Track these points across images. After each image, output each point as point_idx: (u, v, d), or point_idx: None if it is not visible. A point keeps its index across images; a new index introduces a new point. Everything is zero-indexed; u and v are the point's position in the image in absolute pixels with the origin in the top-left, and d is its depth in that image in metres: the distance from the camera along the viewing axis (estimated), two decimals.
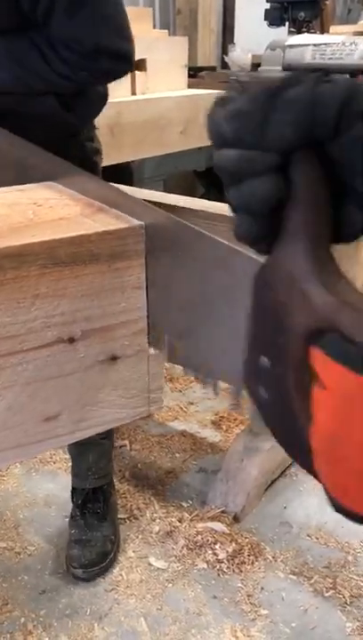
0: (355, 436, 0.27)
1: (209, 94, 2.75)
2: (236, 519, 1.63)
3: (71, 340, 0.59)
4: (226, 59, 4.28)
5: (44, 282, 0.55)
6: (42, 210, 0.65)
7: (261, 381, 0.35)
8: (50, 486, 1.77)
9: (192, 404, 2.19)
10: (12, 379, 0.56)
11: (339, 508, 0.29)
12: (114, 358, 0.62)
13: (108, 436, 1.59)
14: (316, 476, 0.31)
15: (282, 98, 0.33)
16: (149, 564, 1.51)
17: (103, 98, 1.39)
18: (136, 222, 0.59)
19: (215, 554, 1.52)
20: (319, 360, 0.29)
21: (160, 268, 0.59)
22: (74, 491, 1.62)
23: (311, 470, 0.31)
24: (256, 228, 0.35)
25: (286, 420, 0.32)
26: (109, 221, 0.59)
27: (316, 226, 0.33)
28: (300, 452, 0.31)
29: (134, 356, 0.63)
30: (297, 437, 0.31)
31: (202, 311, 0.55)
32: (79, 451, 1.58)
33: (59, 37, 1.14)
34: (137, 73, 2.52)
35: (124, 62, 1.23)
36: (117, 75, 1.26)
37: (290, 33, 3.22)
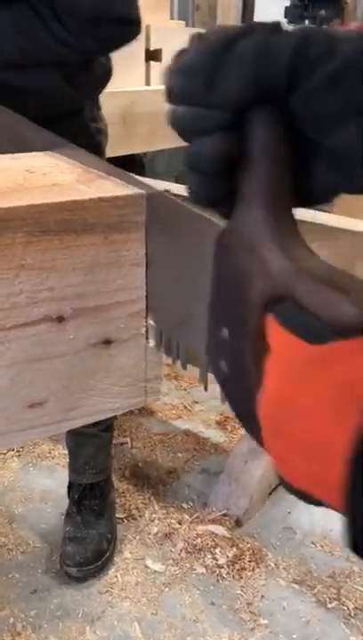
0: (300, 408, 0.26)
1: None
2: (238, 523, 1.58)
3: (60, 319, 0.53)
4: None
5: (31, 251, 0.49)
6: (34, 176, 0.59)
7: (221, 354, 0.34)
8: (47, 482, 1.72)
9: (197, 402, 2.14)
10: None
11: (288, 487, 0.28)
12: (107, 342, 0.57)
13: (107, 428, 1.54)
14: (268, 453, 0.29)
15: (232, 50, 0.30)
16: (146, 567, 1.45)
17: (107, 72, 1.34)
18: (137, 190, 0.53)
19: (215, 558, 1.46)
20: (273, 328, 0.28)
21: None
22: (70, 486, 1.57)
23: (264, 446, 0.29)
24: (209, 188, 0.34)
25: (243, 394, 0.31)
26: (107, 188, 0.54)
27: (274, 188, 0.31)
28: (256, 428, 0.29)
29: (130, 340, 0.58)
30: (253, 413, 0.29)
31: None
32: (77, 443, 1.53)
33: (60, 3, 1.10)
34: (152, 63, 2.48)
35: (128, 26, 1.18)
36: (123, 40, 1.21)
37: None
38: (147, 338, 0.58)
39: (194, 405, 2.12)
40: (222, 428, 2.00)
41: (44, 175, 0.59)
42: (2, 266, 0.48)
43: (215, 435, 1.97)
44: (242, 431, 1.93)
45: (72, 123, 1.22)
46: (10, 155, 0.68)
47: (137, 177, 0.59)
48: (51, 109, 1.14)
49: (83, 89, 1.25)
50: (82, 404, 0.58)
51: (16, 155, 0.68)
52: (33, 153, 0.69)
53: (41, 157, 0.68)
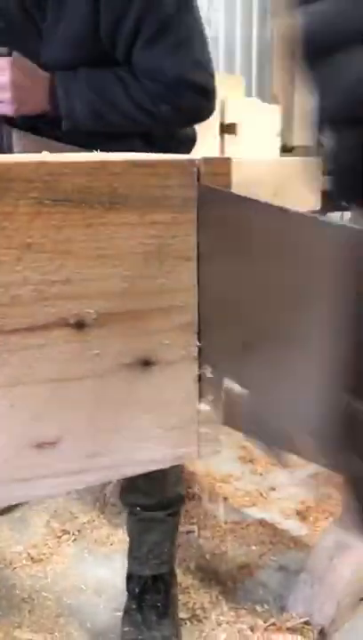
0: None
1: (302, 161, 2.64)
2: (322, 635, 1.32)
3: (80, 326, 0.39)
4: (322, 138, 4.23)
5: (40, 226, 0.37)
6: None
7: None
8: (103, 572, 1.53)
9: (274, 489, 1.93)
10: None
11: None
12: (146, 363, 0.42)
13: (175, 513, 1.38)
14: None
15: None
16: None
17: (192, 140, 1.35)
18: (185, 157, 0.40)
19: None
20: None
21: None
22: (130, 578, 1.39)
23: None
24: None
25: None
26: (148, 155, 0.41)
27: None
28: None
29: (177, 363, 0.43)
30: None
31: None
32: (140, 529, 1.37)
33: (142, 68, 1.11)
34: (226, 136, 2.48)
35: (207, 98, 1.18)
36: (200, 112, 1.21)
37: None
38: (200, 364, 0.44)
39: (270, 492, 1.91)
40: (303, 518, 1.77)
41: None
42: None
43: (295, 526, 1.74)
44: (327, 522, 1.69)
45: None
46: None
47: None
48: None
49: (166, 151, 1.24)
50: (110, 448, 0.43)
51: None
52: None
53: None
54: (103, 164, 0.37)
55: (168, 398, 0.43)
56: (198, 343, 0.43)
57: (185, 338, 0.42)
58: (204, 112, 1.21)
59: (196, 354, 0.43)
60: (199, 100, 1.17)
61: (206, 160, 0.39)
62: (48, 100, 1.13)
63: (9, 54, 1.08)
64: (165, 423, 0.44)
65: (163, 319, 0.41)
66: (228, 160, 0.40)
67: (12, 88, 1.08)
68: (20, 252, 0.36)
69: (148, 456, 0.44)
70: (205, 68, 1.16)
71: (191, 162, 0.39)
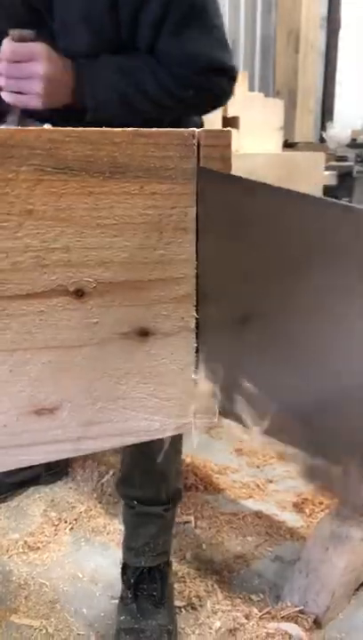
0: None
1: (304, 155, 2.64)
2: (317, 623, 1.32)
3: (79, 294, 0.40)
4: (324, 135, 4.23)
5: (41, 194, 0.37)
6: None
7: None
8: (99, 560, 1.53)
9: (271, 482, 1.92)
10: None
11: None
12: (144, 333, 0.43)
13: (172, 507, 1.37)
14: None
15: None
16: None
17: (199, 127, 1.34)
18: (185, 129, 0.41)
19: None
20: None
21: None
22: (125, 568, 1.37)
23: None
24: None
25: None
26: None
27: None
28: None
29: (174, 334, 0.44)
30: None
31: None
32: (137, 522, 1.35)
33: (171, 54, 1.09)
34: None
35: (231, 83, 1.18)
36: (224, 96, 1.20)
37: None
38: (197, 335, 0.44)
39: (268, 485, 1.91)
40: (300, 510, 1.77)
41: None
42: (0, 209, 0.36)
43: (291, 518, 1.74)
44: (323, 515, 1.69)
45: None
46: None
47: None
48: None
49: None
50: (108, 417, 0.43)
51: None
52: None
53: None
54: (104, 133, 0.38)
55: (165, 369, 0.44)
56: (196, 315, 0.44)
57: (183, 309, 0.43)
58: (227, 96, 1.20)
59: (193, 325, 0.44)
60: (225, 84, 1.17)
61: (207, 132, 0.39)
62: (73, 91, 1.07)
63: (35, 39, 1.00)
64: (161, 394, 0.44)
65: (161, 290, 0.42)
66: (228, 132, 0.40)
67: (45, 80, 1.01)
68: (21, 219, 0.37)
69: (144, 426, 0.44)
70: (230, 52, 1.16)
71: (191, 133, 0.40)
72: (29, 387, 0.40)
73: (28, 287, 0.38)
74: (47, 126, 1.01)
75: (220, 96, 1.20)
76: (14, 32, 0.97)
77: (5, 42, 0.99)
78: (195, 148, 0.40)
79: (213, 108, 1.24)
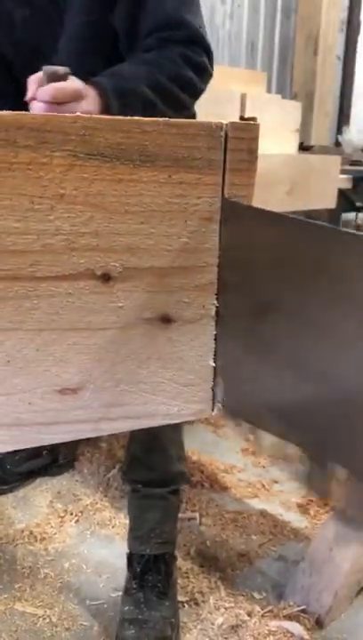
0: None
1: (320, 158, 2.64)
2: (319, 623, 1.33)
3: (106, 278, 0.41)
4: (340, 138, 4.23)
5: (73, 179, 0.39)
6: None
7: None
8: (104, 553, 1.55)
9: (277, 482, 1.93)
10: (13, 318, 0.39)
11: None
12: (166, 319, 0.44)
13: (176, 490, 1.39)
14: None
15: None
16: None
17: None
18: (214, 121, 0.42)
19: None
20: None
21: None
22: (131, 557, 1.38)
23: None
24: None
25: None
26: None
27: None
28: None
29: (196, 322, 0.45)
30: None
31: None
32: (142, 507, 1.37)
33: (155, 22, 1.10)
34: None
35: (204, 76, 1.15)
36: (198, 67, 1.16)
37: None
38: (217, 324, 0.45)
39: (273, 485, 1.92)
40: (304, 511, 1.78)
41: None
42: (34, 191, 0.37)
43: (296, 519, 1.75)
44: (327, 516, 1.69)
45: None
46: None
47: None
48: None
49: None
50: (128, 400, 0.45)
51: None
52: None
53: None
54: (136, 122, 0.39)
55: (185, 355, 0.45)
56: (216, 303, 0.45)
57: (205, 297, 0.44)
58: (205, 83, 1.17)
59: (214, 313, 0.45)
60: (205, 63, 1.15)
61: (234, 124, 0.40)
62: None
63: (67, 76, 0.93)
64: (180, 379, 0.45)
65: (184, 278, 0.43)
66: (255, 125, 0.41)
67: None
68: (53, 202, 0.38)
69: (162, 410, 0.45)
70: (200, 17, 1.15)
71: (219, 125, 0.41)
72: (54, 367, 0.41)
73: (58, 269, 0.39)
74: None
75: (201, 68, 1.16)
76: (48, 69, 0.89)
77: (34, 79, 0.92)
78: (222, 139, 0.41)
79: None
